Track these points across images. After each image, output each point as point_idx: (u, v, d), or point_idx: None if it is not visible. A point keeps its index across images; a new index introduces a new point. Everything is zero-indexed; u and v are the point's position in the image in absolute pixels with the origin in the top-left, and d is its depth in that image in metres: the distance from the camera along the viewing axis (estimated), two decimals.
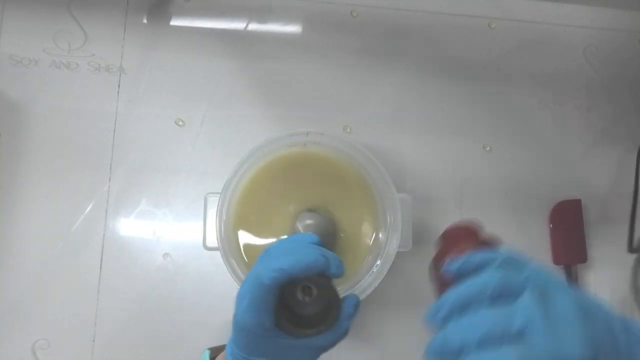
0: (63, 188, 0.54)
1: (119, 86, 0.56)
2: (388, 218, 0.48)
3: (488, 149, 0.58)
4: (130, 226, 0.54)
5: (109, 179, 0.54)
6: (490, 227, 0.57)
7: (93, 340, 0.52)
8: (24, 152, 0.54)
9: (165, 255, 0.54)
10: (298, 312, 0.34)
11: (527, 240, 0.57)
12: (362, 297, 0.45)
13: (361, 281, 0.46)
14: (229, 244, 0.46)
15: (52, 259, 0.53)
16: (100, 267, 0.53)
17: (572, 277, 0.56)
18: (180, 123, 0.56)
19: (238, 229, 0.48)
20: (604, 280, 0.57)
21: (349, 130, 0.57)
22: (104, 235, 0.53)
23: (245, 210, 0.48)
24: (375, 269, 0.47)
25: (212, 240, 0.46)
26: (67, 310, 0.52)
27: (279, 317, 0.33)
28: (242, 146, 0.56)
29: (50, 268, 0.52)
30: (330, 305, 0.34)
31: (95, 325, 0.52)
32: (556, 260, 0.57)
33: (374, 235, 0.49)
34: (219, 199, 0.45)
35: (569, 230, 0.57)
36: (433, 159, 0.58)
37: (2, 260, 0.52)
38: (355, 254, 0.49)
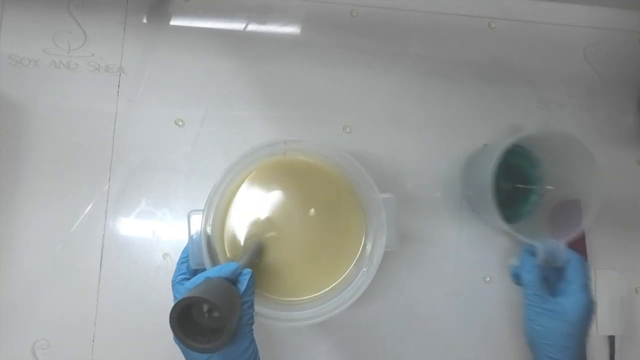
0: (63, 188, 0.54)
1: (118, 86, 0.56)
2: (373, 220, 0.47)
3: None
4: (130, 226, 0.54)
5: (109, 179, 0.54)
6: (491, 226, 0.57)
7: (93, 340, 0.52)
8: (24, 152, 0.54)
9: (165, 255, 0.54)
10: (198, 323, 0.36)
11: None
12: (351, 301, 0.44)
13: (350, 286, 0.46)
14: (213, 263, 0.44)
15: (51, 259, 0.53)
16: (100, 267, 0.53)
17: None
18: (180, 123, 0.56)
19: (225, 245, 0.47)
20: (604, 280, 0.57)
21: (348, 130, 0.57)
22: (103, 235, 0.53)
23: (231, 225, 0.48)
24: (364, 271, 0.46)
25: (199, 261, 0.44)
26: (67, 310, 0.52)
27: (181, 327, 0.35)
28: (242, 146, 0.56)
29: (50, 268, 0.53)
30: (223, 328, 0.36)
31: (95, 325, 0.52)
32: None
33: (360, 238, 0.49)
34: (202, 216, 0.44)
35: (569, 230, 0.57)
36: (433, 159, 0.58)
37: (2, 260, 0.52)
38: (343, 258, 0.48)
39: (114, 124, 0.55)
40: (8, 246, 0.52)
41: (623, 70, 0.61)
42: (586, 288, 0.46)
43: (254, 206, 0.48)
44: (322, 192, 0.49)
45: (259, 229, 0.48)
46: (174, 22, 0.57)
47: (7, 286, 0.52)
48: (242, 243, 0.48)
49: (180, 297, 0.35)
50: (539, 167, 0.55)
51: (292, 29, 0.58)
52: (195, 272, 0.44)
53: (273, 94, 0.57)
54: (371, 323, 0.55)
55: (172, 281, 0.43)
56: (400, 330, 0.55)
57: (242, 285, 0.38)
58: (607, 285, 0.57)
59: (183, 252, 0.45)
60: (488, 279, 0.56)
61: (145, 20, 0.57)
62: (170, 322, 0.34)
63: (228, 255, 0.47)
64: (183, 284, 0.42)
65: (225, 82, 0.56)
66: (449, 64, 0.59)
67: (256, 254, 0.45)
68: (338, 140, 0.57)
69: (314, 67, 0.58)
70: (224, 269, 0.39)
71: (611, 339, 0.56)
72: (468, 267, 0.56)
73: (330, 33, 0.58)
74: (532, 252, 0.48)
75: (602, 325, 0.56)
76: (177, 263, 0.45)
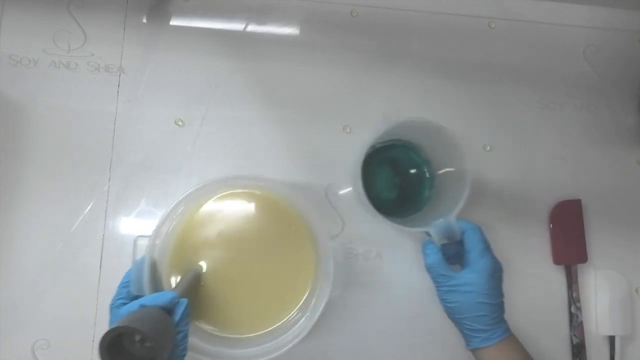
0: (63, 188, 0.54)
1: (118, 86, 0.56)
2: (322, 266, 0.46)
3: (488, 149, 0.58)
4: (130, 226, 0.54)
5: (109, 179, 0.54)
6: (490, 226, 0.57)
7: (93, 340, 0.52)
8: (24, 152, 0.54)
9: None
10: (129, 352, 0.35)
11: (527, 240, 0.57)
12: (290, 345, 0.44)
13: (291, 330, 0.45)
14: (155, 290, 0.43)
15: (51, 259, 0.53)
16: (100, 267, 0.53)
17: (572, 277, 0.56)
18: (180, 123, 0.56)
19: (170, 273, 0.46)
20: (604, 280, 0.57)
21: (348, 130, 0.57)
22: (103, 235, 0.53)
23: (178, 253, 0.46)
24: (307, 315, 0.45)
25: (139, 288, 0.42)
26: (67, 310, 0.52)
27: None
28: (241, 146, 0.56)
29: (50, 268, 0.52)
30: (155, 359, 0.34)
31: (95, 325, 0.52)
32: (556, 260, 0.57)
33: (307, 282, 0.47)
34: (149, 242, 0.43)
35: (569, 230, 0.57)
36: None
37: (1, 260, 0.52)
38: (287, 300, 0.47)
39: (114, 124, 0.55)
40: (8, 246, 0.52)
41: (623, 70, 0.61)
42: (484, 252, 0.46)
43: (204, 237, 0.47)
44: (275, 231, 0.48)
45: (206, 260, 0.46)
46: (174, 22, 0.57)
47: (7, 286, 0.52)
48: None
49: (114, 324, 0.34)
50: (422, 155, 0.55)
51: (292, 29, 0.58)
52: (135, 298, 0.43)
53: (273, 94, 0.57)
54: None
55: (110, 305, 0.42)
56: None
57: (177, 315, 0.37)
58: (607, 285, 0.57)
59: (125, 277, 0.44)
60: None
61: (145, 20, 0.57)
62: (100, 351, 0.33)
63: (173, 283, 0.46)
64: (120, 309, 0.41)
65: (225, 82, 0.56)
66: (449, 64, 0.59)
67: (192, 284, 0.44)
68: (338, 140, 0.57)
69: (314, 67, 0.58)
70: (161, 297, 0.38)
71: (611, 339, 0.56)
72: None
73: (330, 33, 0.58)
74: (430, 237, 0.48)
75: (602, 325, 0.56)
76: (118, 287, 0.44)
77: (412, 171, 0.56)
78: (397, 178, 0.56)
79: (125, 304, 0.42)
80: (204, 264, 0.46)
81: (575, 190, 0.58)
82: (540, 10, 0.61)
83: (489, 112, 0.59)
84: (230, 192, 0.48)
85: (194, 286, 0.44)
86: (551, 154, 0.59)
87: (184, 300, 0.39)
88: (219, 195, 0.48)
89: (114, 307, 0.42)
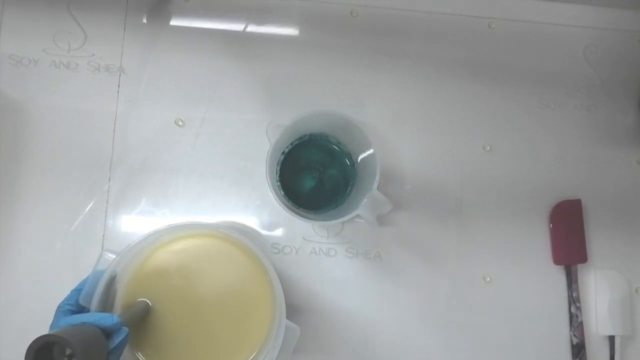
0: (63, 188, 0.54)
1: (118, 86, 0.56)
2: (269, 345, 0.43)
3: (488, 149, 0.58)
4: (130, 226, 0.54)
5: (109, 179, 0.54)
6: (490, 227, 0.57)
7: None
8: (24, 152, 0.54)
9: None
10: None
11: (527, 240, 0.57)
12: None
13: None
14: (103, 307, 0.42)
15: (51, 259, 0.53)
16: None
17: (572, 277, 0.56)
18: (180, 123, 0.56)
19: (126, 295, 0.44)
20: (604, 280, 0.57)
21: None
22: (103, 235, 0.53)
23: (136, 284, 0.44)
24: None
25: (88, 301, 0.40)
26: None
27: None
28: (241, 146, 0.56)
29: (50, 268, 0.53)
30: None
31: None
32: (556, 260, 0.57)
33: (255, 347, 0.44)
34: (115, 260, 0.41)
35: (569, 230, 0.57)
36: (433, 159, 0.58)
37: (1, 260, 0.52)
38: (242, 346, 0.44)
39: (114, 124, 0.55)
40: (8, 245, 0.52)
41: (623, 70, 0.61)
42: None
43: (164, 271, 0.44)
44: (244, 286, 0.45)
45: (162, 294, 0.44)
46: (174, 22, 0.57)
47: (6, 285, 0.52)
48: (142, 298, 0.44)
49: (51, 330, 0.33)
50: (342, 146, 0.55)
51: (292, 30, 0.58)
52: (82, 308, 0.42)
53: (272, 93, 0.57)
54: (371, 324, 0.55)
55: (58, 306, 0.42)
56: (403, 333, 0.55)
57: (113, 342, 0.36)
58: (607, 285, 0.57)
59: (80, 284, 0.43)
60: (488, 279, 0.56)
61: (145, 20, 0.57)
62: (27, 353, 0.32)
63: (121, 308, 0.44)
64: (65, 316, 0.40)
65: (225, 82, 0.56)
66: (449, 64, 0.59)
67: (139, 315, 0.42)
68: None
69: (314, 67, 0.58)
70: (105, 319, 0.36)
71: (611, 339, 0.56)
72: (468, 267, 0.56)
73: (330, 33, 0.58)
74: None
75: (602, 325, 0.56)
76: (72, 289, 0.43)
77: (332, 169, 0.56)
78: (317, 172, 0.55)
79: (71, 309, 0.41)
80: (158, 298, 0.44)
81: (575, 190, 0.58)
82: (541, 10, 0.61)
83: (489, 112, 0.59)
84: (200, 233, 0.46)
85: (141, 318, 0.43)
86: (551, 154, 0.59)
87: (125, 330, 0.37)
88: (190, 235, 0.45)
89: (60, 309, 0.42)
